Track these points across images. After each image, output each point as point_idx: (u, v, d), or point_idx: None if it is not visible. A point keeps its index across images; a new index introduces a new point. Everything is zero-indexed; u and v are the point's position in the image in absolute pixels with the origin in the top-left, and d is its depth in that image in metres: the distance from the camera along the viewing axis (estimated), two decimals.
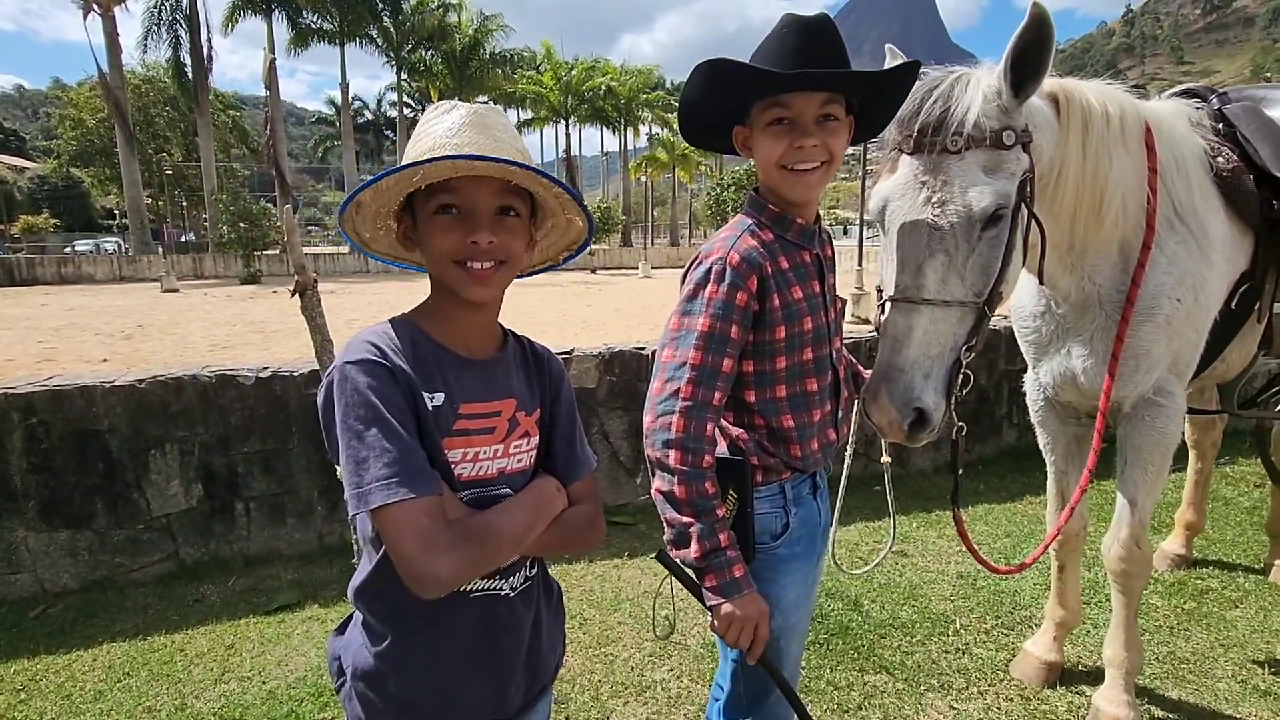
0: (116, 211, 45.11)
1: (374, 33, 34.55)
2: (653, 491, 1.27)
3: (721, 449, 1.34)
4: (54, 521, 3.04)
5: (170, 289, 20.45)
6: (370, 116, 51.96)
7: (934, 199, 1.37)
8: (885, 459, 1.66)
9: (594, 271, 28.24)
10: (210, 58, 30.75)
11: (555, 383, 1.16)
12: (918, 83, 1.41)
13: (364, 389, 0.90)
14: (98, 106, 35.41)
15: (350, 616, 1.08)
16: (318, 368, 2.64)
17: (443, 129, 0.98)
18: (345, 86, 36.02)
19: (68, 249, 33.49)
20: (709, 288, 1.25)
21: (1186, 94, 2.21)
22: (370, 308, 15.88)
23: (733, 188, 32.49)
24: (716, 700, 1.51)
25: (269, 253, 26.31)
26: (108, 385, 3.08)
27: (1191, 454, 3.24)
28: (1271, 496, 3.14)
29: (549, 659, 1.15)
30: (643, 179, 44.15)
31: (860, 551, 3.36)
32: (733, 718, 1.45)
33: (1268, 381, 2.35)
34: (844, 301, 1.48)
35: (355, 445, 0.89)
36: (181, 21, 29.00)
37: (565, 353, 3.72)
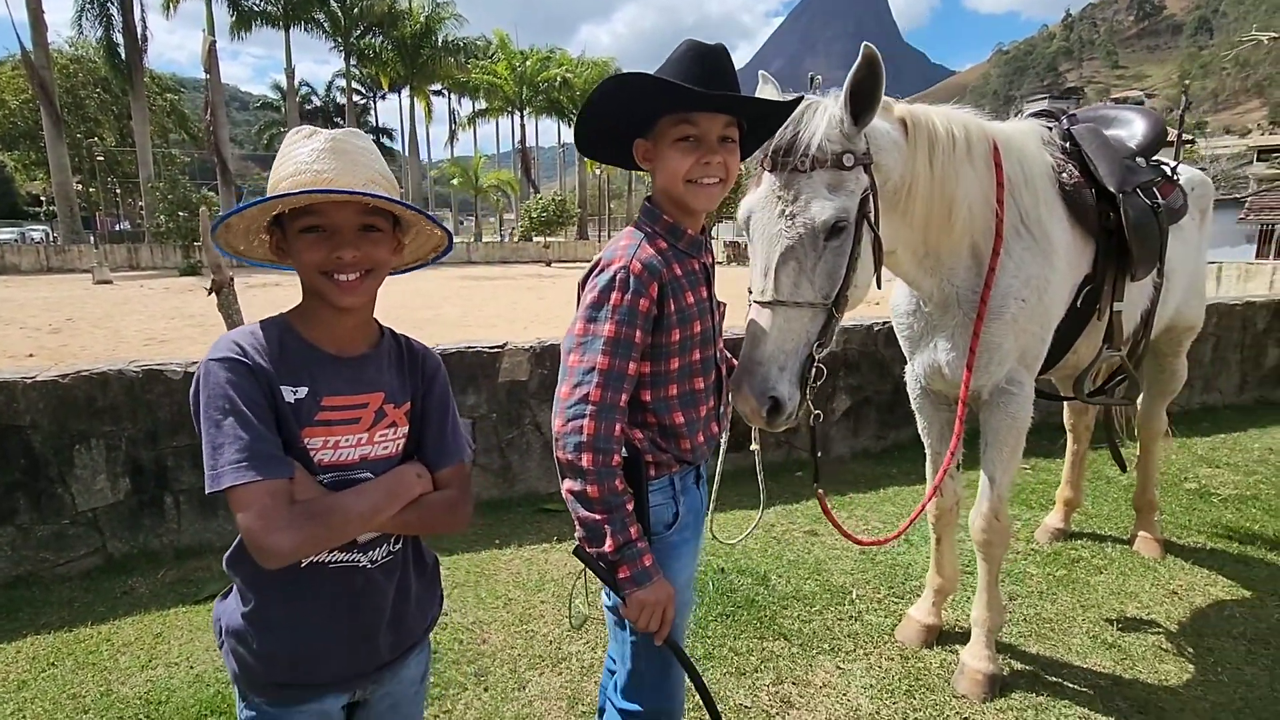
0: (44, 198, 42.75)
1: (321, 17, 33.56)
2: (564, 492, 1.34)
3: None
4: None
5: (103, 280, 19.62)
6: (319, 103, 50.43)
7: (786, 212, 1.56)
8: (754, 446, 1.80)
9: (549, 265, 28.20)
10: (145, 37, 29.42)
11: (429, 378, 1.26)
12: None
13: (223, 384, 1.03)
14: (21, 87, 33.49)
15: (231, 586, 1.21)
16: None
17: (304, 154, 1.07)
18: (291, 72, 34.92)
19: None
20: (614, 294, 1.32)
21: (1043, 114, 2.47)
22: None
23: None
24: (613, 674, 1.59)
25: None
26: (29, 380, 3.07)
27: (1069, 437, 3.56)
28: (1138, 475, 3.48)
29: (417, 622, 1.28)
30: (599, 171, 44.07)
31: (775, 531, 3.59)
32: (634, 697, 1.52)
33: (1113, 372, 2.64)
34: (724, 305, 1.61)
35: (213, 432, 1.02)
36: None
37: (498, 346, 3.84)
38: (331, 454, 1.12)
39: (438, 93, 44.80)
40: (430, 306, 14.59)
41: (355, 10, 33.87)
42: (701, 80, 1.29)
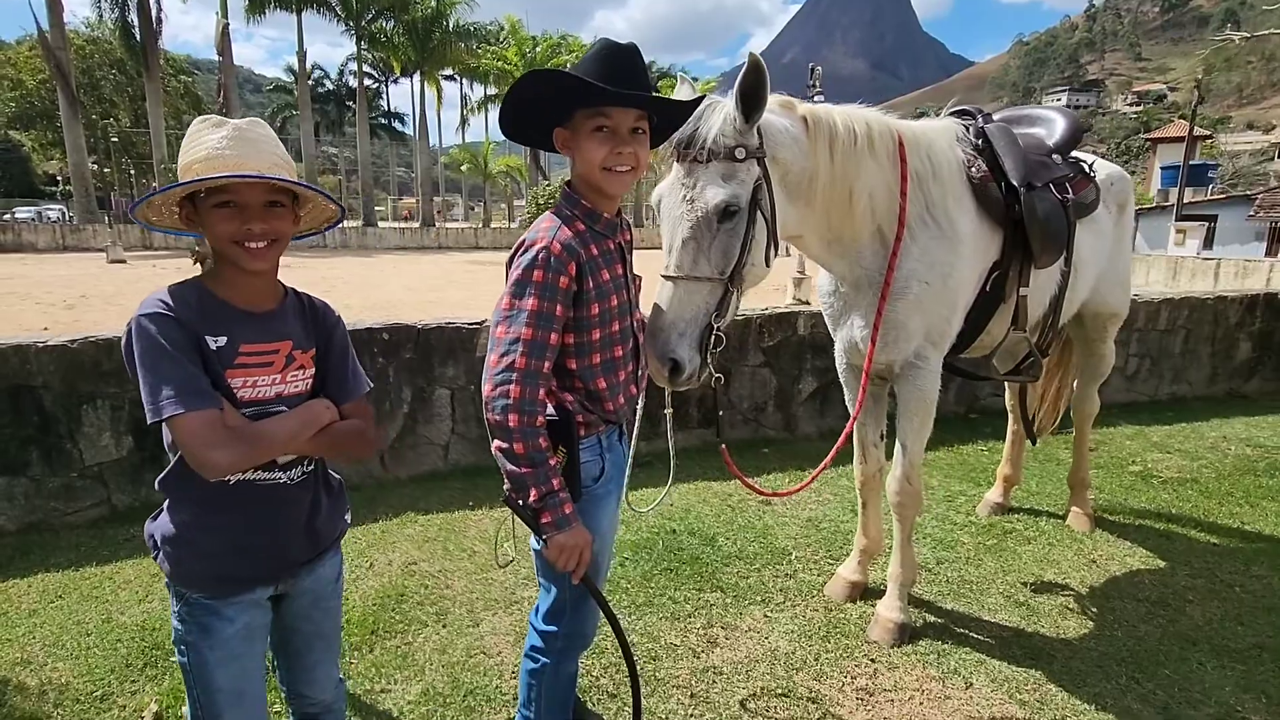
0: (60, 178, 43.34)
1: (332, 0, 33.68)
2: (493, 449, 1.49)
3: (550, 411, 1.57)
4: None
5: (117, 260, 20.04)
6: (331, 86, 50.66)
7: (687, 197, 1.78)
8: (667, 410, 1.97)
9: None
10: (160, 19, 29.71)
11: (329, 329, 1.48)
12: None
13: (155, 334, 1.23)
14: (38, 67, 33.93)
15: (160, 509, 1.43)
16: None
17: (215, 140, 1.27)
18: (302, 55, 35.14)
19: (7, 216, 32.18)
20: (536, 272, 1.46)
21: (962, 113, 2.66)
22: (324, 282, 15.88)
23: None
24: (538, 610, 1.80)
25: None
26: (41, 345, 3.35)
27: (1010, 417, 3.77)
28: (1073, 453, 3.69)
29: (328, 530, 1.52)
30: None
31: (731, 500, 3.82)
32: (552, 621, 1.74)
33: (1027, 353, 2.84)
34: (640, 279, 1.81)
35: (151, 375, 1.23)
36: None
37: (476, 323, 4.09)
38: (251, 391, 1.35)
39: (449, 78, 44.84)
40: (435, 290, 14.88)
41: None
42: (615, 78, 1.45)
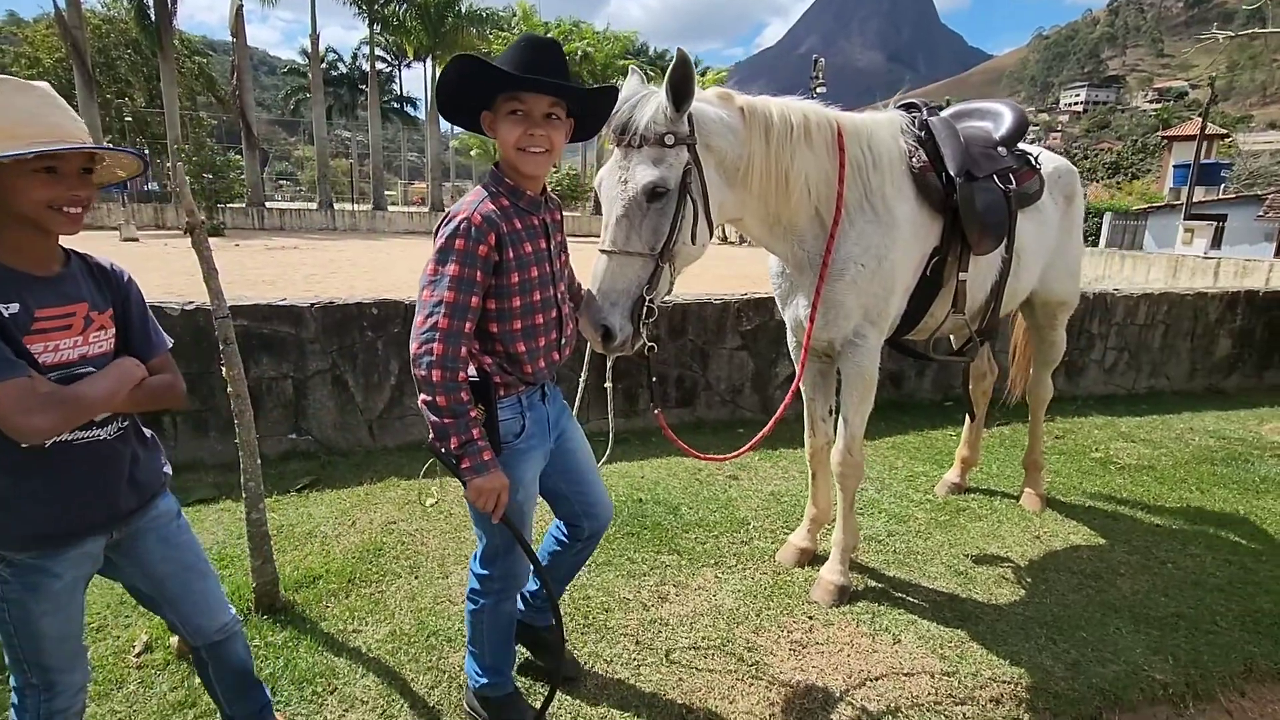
0: None
1: None
2: (419, 402, 1.62)
3: (471, 372, 1.69)
4: None
5: (130, 238, 20.40)
6: (345, 70, 50.68)
7: (621, 178, 1.94)
8: (608, 384, 2.13)
9: None
10: None
11: (123, 289, 1.50)
12: (629, 94, 1.97)
13: None
14: (55, 46, 34.24)
15: None
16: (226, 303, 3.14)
17: (33, 103, 1.27)
18: (315, 38, 35.25)
19: None
20: (457, 241, 1.60)
21: (911, 106, 2.80)
22: (332, 264, 16.15)
23: None
24: (475, 556, 1.97)
25: (234, 205, 26.15)
26: None
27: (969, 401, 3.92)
28: (1028, 436, 3.84)
29: (151, 479, 1.56)
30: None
31: (701, 475, 4.00)
32: (487, 565, 1.92)
33: (969, 338, 3.00)
34: (566, 255, 1.93)
35: None
36: None
37: None
38: (54, 356, 1.35)
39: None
40: None
41: None
42: (530, 67, 1.60)
